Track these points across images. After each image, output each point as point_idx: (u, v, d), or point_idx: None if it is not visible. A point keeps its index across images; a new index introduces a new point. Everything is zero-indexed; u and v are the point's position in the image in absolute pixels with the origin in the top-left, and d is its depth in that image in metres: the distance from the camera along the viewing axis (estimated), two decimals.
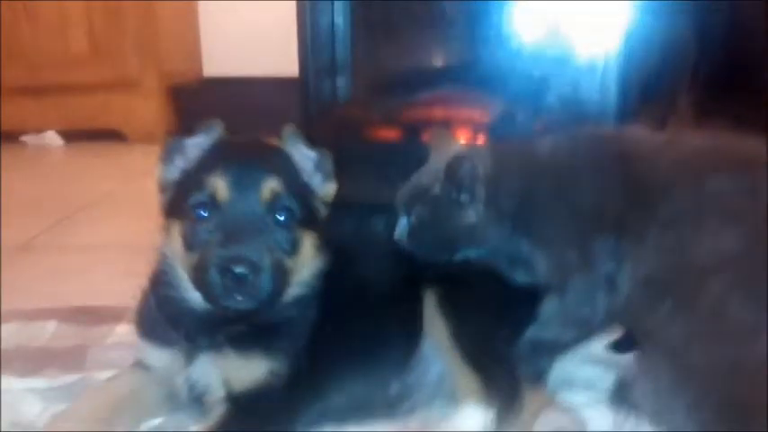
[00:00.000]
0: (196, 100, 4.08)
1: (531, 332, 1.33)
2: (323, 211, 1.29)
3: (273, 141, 1.27)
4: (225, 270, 1.09)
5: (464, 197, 1.37)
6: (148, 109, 4.08)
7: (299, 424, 1.23)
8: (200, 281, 1.13)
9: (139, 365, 1.29)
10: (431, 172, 1.45)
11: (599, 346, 1.45)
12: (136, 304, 1.32)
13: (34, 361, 1.47)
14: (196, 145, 1.23)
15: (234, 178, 1.16)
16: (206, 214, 1.15)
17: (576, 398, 1.34)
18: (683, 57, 2.61)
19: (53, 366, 1.45)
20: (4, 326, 1.63)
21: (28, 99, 4.01)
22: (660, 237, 1.16)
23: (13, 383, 1.37)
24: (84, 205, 2.83)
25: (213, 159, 1.20)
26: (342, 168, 1.30)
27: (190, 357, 1.21)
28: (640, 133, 1.34)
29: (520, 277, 1.40)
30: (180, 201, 1.19)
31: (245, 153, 1.25)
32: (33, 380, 1.38)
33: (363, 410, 1.30)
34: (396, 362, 1.32)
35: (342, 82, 1.98)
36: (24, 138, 4.08)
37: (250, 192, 1.16)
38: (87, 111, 4.08)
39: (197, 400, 1.23)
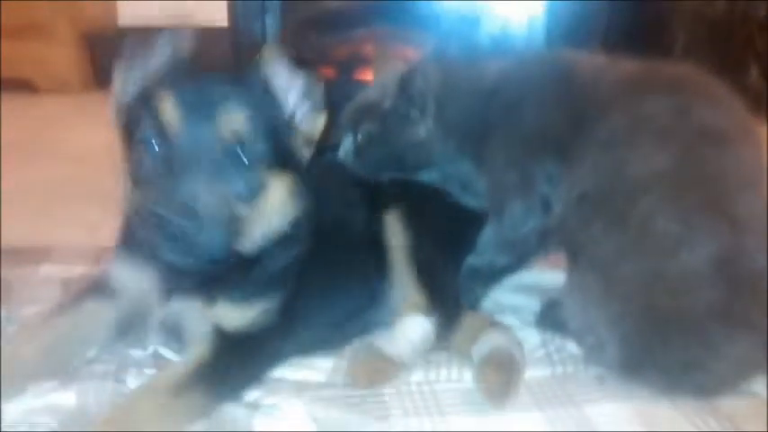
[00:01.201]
0: (112, 49, 3.91)
1: (470, 258, 1.37)
2: (307, 149, 1.13)
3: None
4: (161, 220, 0.94)
5: (414, 112, 1.36)
6: (61, 58, 3.90)
7: (283, 356, 1.19)
8: (139, 227, 0.99)
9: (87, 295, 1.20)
10: (378, 88, 1.43)
11: (528, 275, 1.51)
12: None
13: None
14: (156, 62, 1.08)
15: (188, 106, 1.00)
16: (155, 146, 1.00)
17: (506, 322, 1.38)
18: (597, 15, 2.72)
19: None
20: None
21: None
22: (596, 156, 1.19)
23: None
24: None
25: (169, 81, 1.05)
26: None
27: (168, 294, 1.12)
28: (582, 57, 1.35)
29: (470, 201, 1.42)
30: (132, 124, 1.04)
31: (209, 75, 1.07)
32: None
33: (339, 339, 1.28)
34: (368, 289, 1.31)
35: (271, 21, 1.95)
36: None
37: (206, 124, 1.00)
38: None
39: (168, 331, 1.16)
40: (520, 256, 1.39)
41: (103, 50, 3.90)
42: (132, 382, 1.14)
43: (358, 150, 1.40)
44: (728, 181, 1.10)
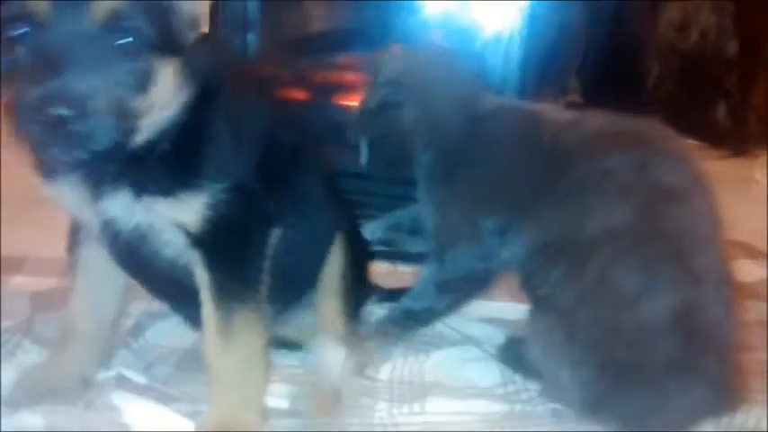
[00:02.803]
0: None
1: (406, 300, 1.43)
2: (190, 33, 1.05)
3: None
4: (39, 112, 0.86)
5: (393, 97, 1.37)
6: None
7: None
8: (24, 127, 0.90)
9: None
10: (376, 93, 1.43)
11: (492, 305, 1.55)
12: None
13: None
14: None
15: None
16: (22, 30, 0.91)
17: (466, 353, 1.42)
18: (575, 43, 2.78)
19: None
20: None
21: None
22: (558, 209, 1.23)
23: None
24: None
25: None
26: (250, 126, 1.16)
27: (94, 194, 1.06)
28: (551, 111, 1.38)
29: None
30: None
31: None
32: None
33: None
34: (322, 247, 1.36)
35: (252, 38, 1.96)
36: None
37: (78, 6, 0.91)
38: None
39: (116, 244, 1.11)
40: (457, 299, 1.42)
41: None
42: (99, 403, 1.15)
43: (371, 155, 1.41)
44: (685, 236, 1.15)
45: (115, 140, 0.93)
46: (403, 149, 1.41)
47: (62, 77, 0.87)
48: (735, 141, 3.02)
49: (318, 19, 2.21)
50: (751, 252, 1.93)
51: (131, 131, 0.97)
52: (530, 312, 1.30)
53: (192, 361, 1.33)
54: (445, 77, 1.43)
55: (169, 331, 1.42)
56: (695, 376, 1.12)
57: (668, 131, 1.25)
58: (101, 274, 1.22)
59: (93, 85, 0.89)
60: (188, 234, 1.08)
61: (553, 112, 1.38)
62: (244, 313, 1.11)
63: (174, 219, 1.07)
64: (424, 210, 1.45)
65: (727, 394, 1.15)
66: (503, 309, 1.56)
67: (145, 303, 1.45)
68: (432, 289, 1.40)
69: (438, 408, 1.24)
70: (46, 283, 1.60)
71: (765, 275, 1.79)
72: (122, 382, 1.22)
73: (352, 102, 1.86)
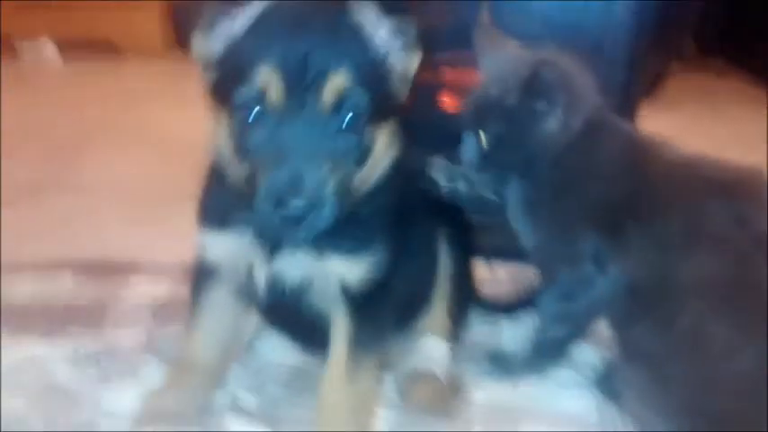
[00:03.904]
0: (195, 11, 3.97)
1: (533, 335, 1.44)
2: (403, 90, 1.08)
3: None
4: (279, 201, 0.94)
5: (542, 104, 1.33)
6: (146, 21, 3.99)
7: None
8: (251, 202, 0.98)
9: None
10: (497, 83, 1.36)
11: None
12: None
13: (55, 321, 1.53)
14: (243, 12, 1.02)
15: (289, 73, 0.95)
16: (256, 114, 0.98)
17: (560, 376, 1.44)
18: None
19: (75, 325, 1.52)
20: (19, 277, 1.69)
21: (20, 7, 3.88)
22: (650, 251, 1.23)
23: (39, 347, 1.43)
24: (86, 136, 2.82)
25: (263, 37, 0.99)
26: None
27: (270, 251, 1.13)
28: (664, 146, 1.35)
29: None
30: (225, 87, 1.01)
31: (304, 30, 0.99)
32: (60, 344, 1.44)
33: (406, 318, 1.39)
34: (429, 280, 1.41)
35: None
36: (21, 46, 3.97)
37: (310, 91, 0.96)
38: (81, 21, 3.97)
39: (275, 294, 1.17)
40: (577, 327, 1.42)
41: (187, 12, 3.96)
42: (214, 426, 1.26)
43: (488, 152, 1.36)
44: None
45: (337, 217, 0.99)
46: (529, 152, 1.36)
47: (297, 166, 0.94)
48: None
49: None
50: None
51: (349, 203, 1.02)
52: (619, 355, 1.31)
53: (300, 381, 1.41)
54: (584, 83, 1.39)
55: (278, 346, 1.49)
56: None
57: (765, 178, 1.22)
58: (225, 315, 1.29)
59: (325, 173, 0.95)
60: (344, 288, 1.14)
61: (666, 146, 1.35)
62: (371, 361, 1.19)
63: (341, 275, 1.13)
64: (523, 228, 1.45)
65: None
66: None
67: (255, 317, 1.51)
68: (551, 319, 1.40)
69: None
70: (162, 289, 1.70)
71: None
72: (236, 406, 1.31)
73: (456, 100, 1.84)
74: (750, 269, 1.14)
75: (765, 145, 2.93)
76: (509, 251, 1.69)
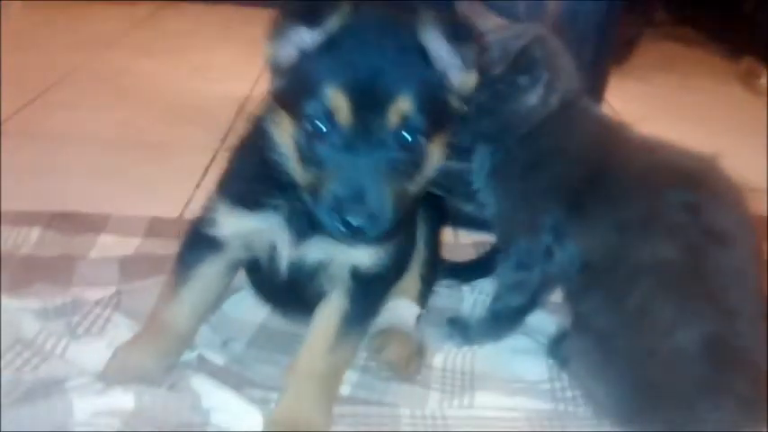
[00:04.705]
0: None
1: (489, 304, 1.50)
2: (459, 106, 1.15)
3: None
4: (341, 214, 1.03)
5: (523, 79, 1.37)
6: None
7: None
8: (313, 206, 1.07)
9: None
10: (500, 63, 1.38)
11: None
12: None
13: (22, 274, 1.55)
14: (317, 23, 1.06)
15: (358, 95, 1.02)
16: (323, 128, 1.05)
17: (517, 343, 1.51)
18: None
19: (43, 281, 1.52)
20: None
21: None
22: (607, 233, 1.29)
23: (8, 302, 1.41)
24: (54, 81, 2.77)
25: (335, 56, 1.05)
26: None
27: (300, 235, 1.20)
28: (631, 133, 1.41)
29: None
30: (293, 95, 1.08)
31: (374, 51, 1.05)
32: (27, 299, 1.44)
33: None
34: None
35: None
36: None
37: (376, 114, 1.03)
38: None
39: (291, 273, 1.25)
40: (531, 297, 1.48)
41: None
42: (181, 386, 1.27)
43: (468, 119, 1.35)
44: (725, 275, 1.21)
45: (392, 225, 1.07)
46: (505, 123, 1.41)
47: (361, 182, 1.02)
48: None
49: None
50: None
51: (402, 212, 1.10)
52: (570, 326, 1.38)
53: (264, 338, 1.45)
54: (566, 64, 1.44)
55: (243, 304, 1.53)
56: (725, 396, 1.19)
57: (723, 171, 1.29)
58: (214, 285, 1.33)
59: (385, 189, 1.04)
60: (354, 271, 1.23)
61: (632, 132, 1.42)
62: (358, 335, 1.29)
63: (356, 260, 1.22)
64: (487, 196, 1.50)
65: (756, 412, 1.21)
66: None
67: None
68: (506, 288, 1.47)
69: (485, 402, 1.34)
70: (130, 243, 1.72)
71: None
72: (202, 364, 1.34)
73: None
74: (698, 257, 1.21)
75: (732, 116, 3.00)
76: (475, 220, 1.77)
